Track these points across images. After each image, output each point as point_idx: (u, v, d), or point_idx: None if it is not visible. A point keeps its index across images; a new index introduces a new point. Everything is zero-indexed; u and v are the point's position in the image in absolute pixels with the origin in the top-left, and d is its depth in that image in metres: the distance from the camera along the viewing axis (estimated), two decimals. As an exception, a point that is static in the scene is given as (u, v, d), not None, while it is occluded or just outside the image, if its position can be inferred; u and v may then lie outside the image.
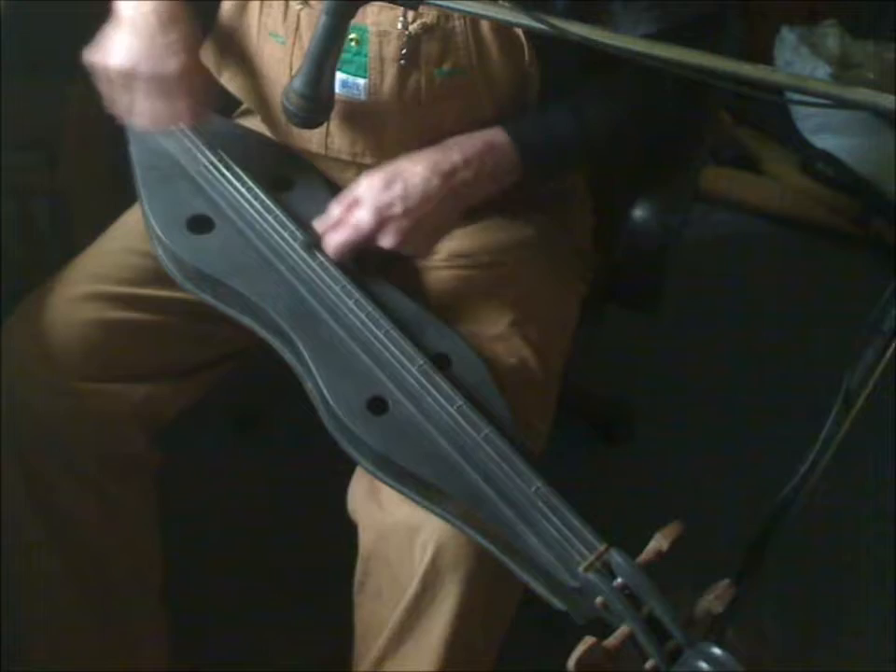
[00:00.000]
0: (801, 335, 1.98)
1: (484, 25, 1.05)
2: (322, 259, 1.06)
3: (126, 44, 1.07)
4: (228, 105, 1.29)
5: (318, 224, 1.08)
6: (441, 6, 0.85)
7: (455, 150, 1.07)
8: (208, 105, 1.14)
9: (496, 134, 1.08)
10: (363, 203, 1.06)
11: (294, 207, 1.11)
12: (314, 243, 1.07)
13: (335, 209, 1.08)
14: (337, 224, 1.07)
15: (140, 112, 1.09)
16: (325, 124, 1.09)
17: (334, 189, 1.17)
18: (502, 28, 1.04)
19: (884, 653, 1.52)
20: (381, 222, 1.05)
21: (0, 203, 1.44)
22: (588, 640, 0.80)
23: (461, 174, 1.06)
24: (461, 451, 0.94)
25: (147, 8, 1.08)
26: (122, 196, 1.21)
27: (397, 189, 1.05)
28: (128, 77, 1.07)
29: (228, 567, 1.49)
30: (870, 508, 1.72)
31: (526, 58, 1.07)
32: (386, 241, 1.06)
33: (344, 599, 1.10)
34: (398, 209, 1.05)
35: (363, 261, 1.09)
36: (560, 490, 0.91)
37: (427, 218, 1.06)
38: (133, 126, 1.12)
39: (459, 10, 0.92)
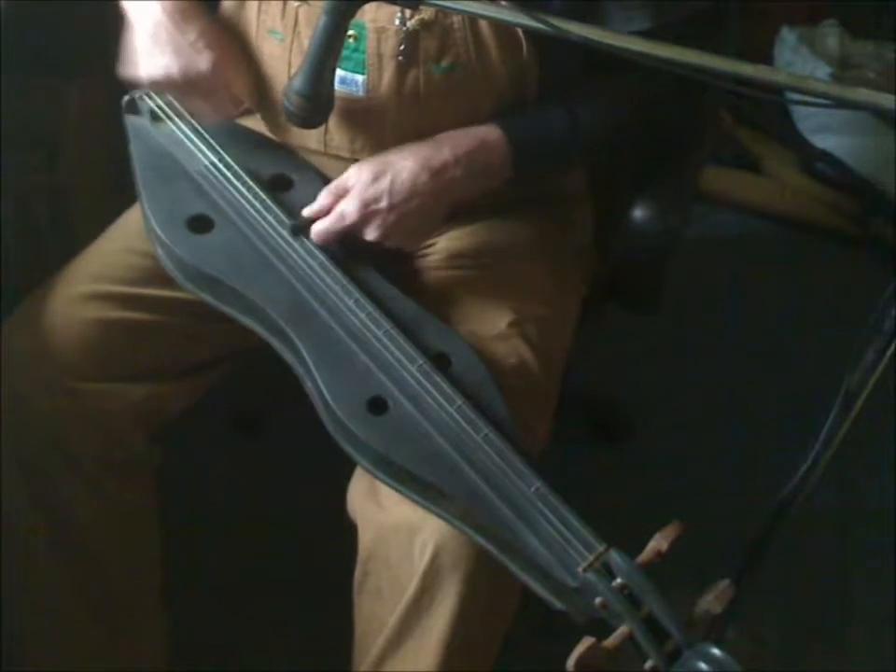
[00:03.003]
0: (801, 335, 1.98)
1: (483, 20, 1.04)
2: (323, 258, 1.06)
3: (152, 55, 1.08)
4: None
5: (307, 211, 1.09)
6: (440, 6, 0.86)
7: (447, 147, 1.07)
8: (246, 93, 1.14)
9: (489, 132, 1.09)
10: (350, 194, 1.07)
11: (294, 206, 1.11)
12: (301, 228, 1.08)
13: (323, 197, 1.09)
14: (324, 212, 1.08)
15: (195, 112, 1.11)
16: (323, 121, 1.10)
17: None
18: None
19: (884, 653, 1.52)
20: (366, 215, 1.06)
21: (0, 202, 1.44)
22: (587, 640, 0.80)
23: (451, 171, 1.07)
24: (461, 451, 0.94)
25: (160, 15, 1.08)
26: (122, 196, 1.21)
27: (384, 182, 1.05)
28: (168, 85, 1.09)
29: (227, 568, 1.49)
30: (870, 508, 1.72)
31: (524, 53, 1.07)
32: (370, 234, 1.07)
33: (344, 599, 1.10)
34: (384, 203, 1.06)
35: (363, 261, 1.09)
36: (559, 490, 0.91)
37: (413, 214, 1.07)
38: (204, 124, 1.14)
39: (458, 10, 0.92)
